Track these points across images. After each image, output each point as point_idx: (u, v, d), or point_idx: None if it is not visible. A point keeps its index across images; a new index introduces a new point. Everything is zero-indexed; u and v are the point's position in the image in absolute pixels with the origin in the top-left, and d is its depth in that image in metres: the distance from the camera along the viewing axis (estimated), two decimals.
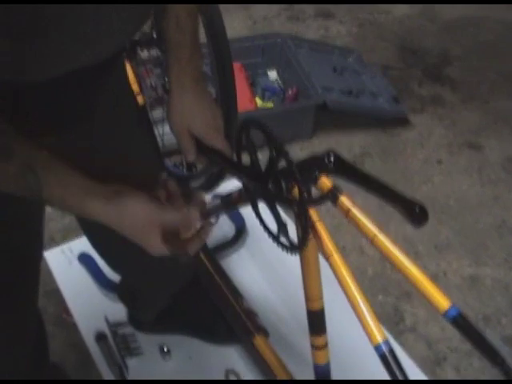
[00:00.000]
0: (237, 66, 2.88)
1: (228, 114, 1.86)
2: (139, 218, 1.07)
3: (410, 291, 2.24)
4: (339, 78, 3.18)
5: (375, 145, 3.01)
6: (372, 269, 2.36)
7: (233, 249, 2.23)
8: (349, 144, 2.99)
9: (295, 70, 3.07)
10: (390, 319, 2.22)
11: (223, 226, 2.26)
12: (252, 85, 3.11)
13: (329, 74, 3.17)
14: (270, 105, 3.04)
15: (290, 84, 3.10)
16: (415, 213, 0.97)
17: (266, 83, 3.15)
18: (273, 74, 3.19)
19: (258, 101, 3.03)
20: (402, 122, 3.16)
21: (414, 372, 1.89)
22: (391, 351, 0.97)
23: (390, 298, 2.28)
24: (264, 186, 1.10)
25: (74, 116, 1.16)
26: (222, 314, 1.90)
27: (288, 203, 1.07)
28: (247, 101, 2.92)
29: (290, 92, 3.04)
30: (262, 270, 2.16)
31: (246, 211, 2.17)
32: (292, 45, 3.18)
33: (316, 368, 1.35)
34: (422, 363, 2.02)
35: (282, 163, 1.06)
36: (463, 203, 2.73)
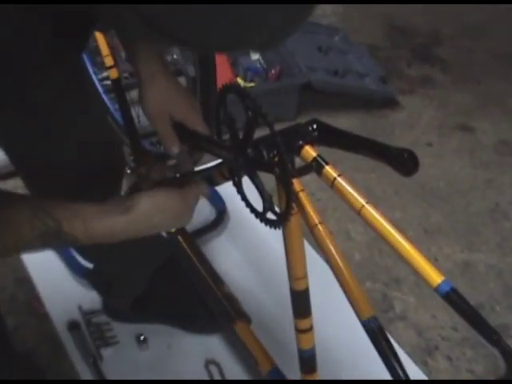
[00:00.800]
0: None
1: (208, 95, 1.82)
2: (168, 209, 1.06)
3: (399, 277, 2.17)
4: (324, 58, 3.11)
5: (362, 127, 2.93)
6: (359, 254, 2.27)
7: (213, 233, 2.15)
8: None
9: (278, 50, 2.97)
10: (379, 307, 2.13)
11: (204, 210, 2.19)
12: (233, 65, 3.03)
13: (314, 53, 3.10)
14: (252, 85, 2.96)
15: (272, 64, 3.02)
16: (404, 159, 0.98)
17: (248, 63, 3.05)
18: (255, 54, 3.10)
19: (240, 81, 2.95)
20: (389, 103, 3.10)
21: (404, 362, 1.82)
22: (380, 327, 0.92)
23: (379, 285, 2.20)
24: (243, 152, 1.02)
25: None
26: (201, 300, 1.84)
27: (270, 169, 0.99)
28: (228, 81, 2.83)
29: (272, 72, 2.96)
30: (244, 254, 2.09)
31: (227, 194, 2.15)
32: None
33: (301, 353, 1.32)
34: (412, 352, 1.96)
35: (262, 132, 1.00)
36: (454, 186, 2.65)
